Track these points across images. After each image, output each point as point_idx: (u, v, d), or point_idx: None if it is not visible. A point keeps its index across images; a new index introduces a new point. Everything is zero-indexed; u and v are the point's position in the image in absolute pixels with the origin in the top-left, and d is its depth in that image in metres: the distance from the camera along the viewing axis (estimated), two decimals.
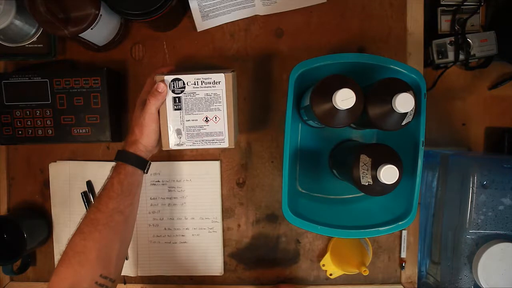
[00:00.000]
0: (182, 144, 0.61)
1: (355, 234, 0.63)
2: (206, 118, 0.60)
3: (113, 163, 0.61)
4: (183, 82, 0.59)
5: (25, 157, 0.75)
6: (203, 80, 0.59)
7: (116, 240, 0.58)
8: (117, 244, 0.59)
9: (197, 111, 0.60)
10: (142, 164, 0.61)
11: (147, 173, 0.62)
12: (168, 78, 0.58)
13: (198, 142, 0.61)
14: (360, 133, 0.71)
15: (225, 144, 0.61)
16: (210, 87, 0.59)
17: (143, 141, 0.60)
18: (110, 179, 0.59)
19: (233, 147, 0.61)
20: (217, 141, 0.61)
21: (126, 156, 0.60)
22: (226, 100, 0.59)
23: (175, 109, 0.60)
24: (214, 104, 0.59)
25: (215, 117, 0.60)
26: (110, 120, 0.69)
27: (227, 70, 0.61)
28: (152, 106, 0.58)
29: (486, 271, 0.63)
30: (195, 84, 0.59)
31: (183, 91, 0.59)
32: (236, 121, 0.64)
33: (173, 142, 0.61)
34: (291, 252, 0.75)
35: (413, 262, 0.75)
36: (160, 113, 0.60)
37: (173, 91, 0.59)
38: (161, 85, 0.57)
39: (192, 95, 0.59)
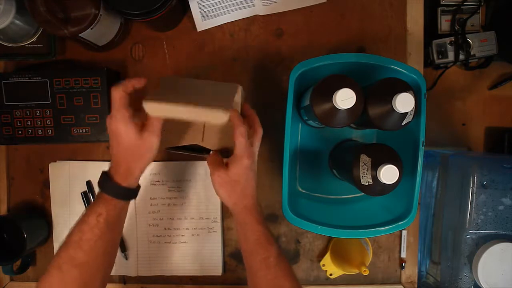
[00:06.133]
0: None
1: (355, 234, 0.63)
2: None
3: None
4: None
5: (25, 157, 0.75)
6: None
7: (99, 275, 0.55)
8: (100, 277, 0.55)
9: None
10: (135, 193, 0.58)
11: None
12: None
13: None
14: (360, 133, 0.71)
15: None
16: None
17: (144, 165, 0.55)
18: (95, 215, 0.54)
19: None
20: None
21: (117, 191, 0.55)
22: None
23: None
24: None
25: None
26: None
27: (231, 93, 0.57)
28: (157, 125, 0.54)
29: (486, 271, 0.63)
30: None
31: None
32: None
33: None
34: (291, 252, 0.75)
35: (413, 262, 0.75)
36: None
37: None
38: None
39: None
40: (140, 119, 0.54)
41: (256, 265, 0.56)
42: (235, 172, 0.55)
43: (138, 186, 0.59)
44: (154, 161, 0.73)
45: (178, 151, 0.63)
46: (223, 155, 0.61)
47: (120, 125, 0.53)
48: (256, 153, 0.57)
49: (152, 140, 0.54)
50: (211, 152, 0.59)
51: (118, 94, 0.53)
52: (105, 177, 0.55)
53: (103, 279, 0.56)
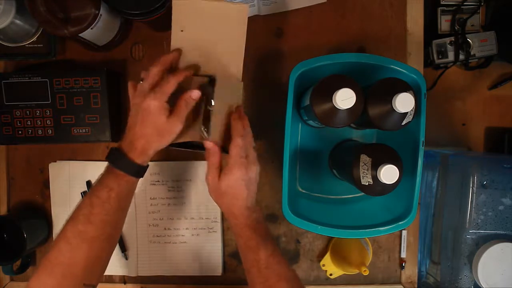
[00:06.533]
0: None
1: (355, 234, 0.63)
2: None
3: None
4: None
5: (25, 157, 0.75)
6: None
7: (105, 251, 0.56)
8: (106, 254, 0.56)
9: None
10: (144, 172, 0.57)
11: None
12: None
13: None
14: (360, 133, 0.71)
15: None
16: None
17: (159, 147, 0.55)
18: (106, 189, 0.54)
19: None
20: None
21: (131, 167, 0.54)
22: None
23: None
24: None
25: None
26: (110, 120, 0.69)
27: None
28: (185, 113, 0.55)
29: (486, 271, 0.63)
30: None
31: None
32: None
33: None
34: (291, 252, 0.75)
35: (413, 262, 0.75)
36: None
37: None
38: (196, 92, 0.55)
39: None
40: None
41: (249, 268, 0.57)
42: (225, 184, 0.55)
43: (147, 165, 0.58)
44: (154, 161, 0.74)
45: (180, 148, 0.63)
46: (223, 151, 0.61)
47: (156, 103, 0.53)
48: (251, 162, 0.56)
49: (177, 125, 0.54)
50: (210, 146, 0.58)
51: (175, 81, 0.54)
52: (117, 153, 0.55)
53: (108, 253, 0.57)
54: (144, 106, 0.53)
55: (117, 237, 0.59)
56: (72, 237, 0.53)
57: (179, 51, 0.58)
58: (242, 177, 0.55)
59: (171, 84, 0.53)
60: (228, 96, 0.59)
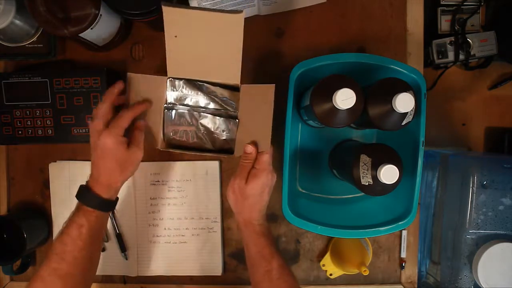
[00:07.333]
0: None
1: (355, 234, 0.63)
2: None
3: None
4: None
5: (25, 157, 0.75)
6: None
7: (82, 283, 0.56)
8: (83, 286, 0.57)
9: None
10: (114, 205, 0.59)
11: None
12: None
13: None
14: (360, 133, 0.71)
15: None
16: None
17: (125, 179, 0.57)
18: (77, 227, 0.55)
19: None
20: None
21: (99, 202, 0.56)
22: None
23: None
24: None
25: None
26: None
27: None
28: (141, 140, 0.59)
29: (486, 271, 0.63)
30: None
31: None
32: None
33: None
34: (291, 252, 0.75)
35: (413, 262, 0.75)
36: None
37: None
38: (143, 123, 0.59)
39: None
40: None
41: (259, 277, 0.57)
42: (252, 187, 0.57)
43: (117, 198, 0.60)
44: (154, 161, 0.74)
45: (179, 151, 0.63)
46: (227, 152, 0.61)
47: (112, 139, 0.55)
48: (272, 170, 0.59)
49: (138, 154, 0.57)
50: (251, 150, 0.58)
51: (131, 114, 0.57)
52: (85, 189, 0.57)
53: (87, 283, 0.57)
54: (101, 143, 0.55)
55: (93, 270, 0.59)
56: (46, 276, 0.53)
57: (121, 83, 0.60)
58: (267, 182, 0.57)
59: (126, 119, 0.56)
60: (254, 103, 0.59)
